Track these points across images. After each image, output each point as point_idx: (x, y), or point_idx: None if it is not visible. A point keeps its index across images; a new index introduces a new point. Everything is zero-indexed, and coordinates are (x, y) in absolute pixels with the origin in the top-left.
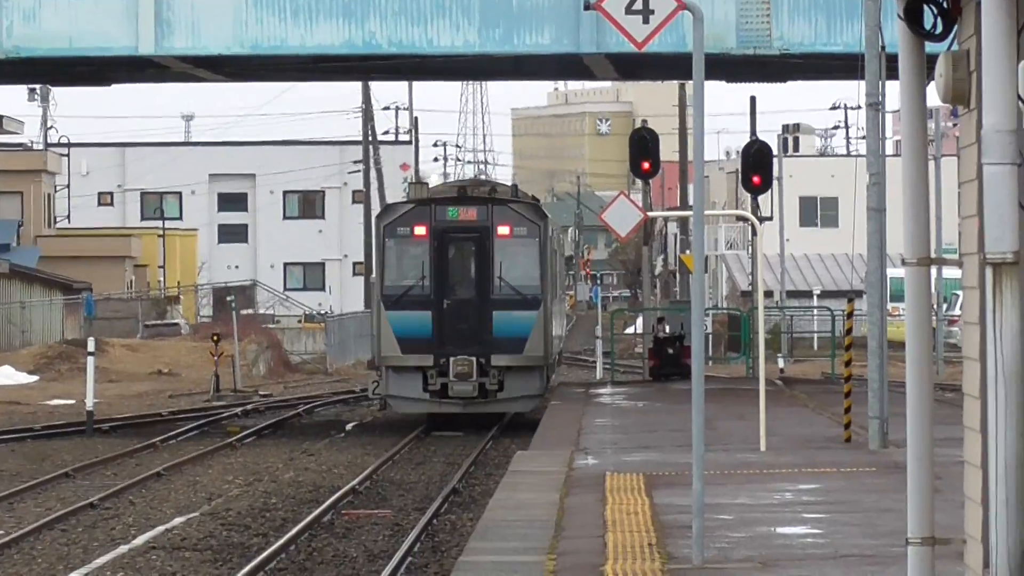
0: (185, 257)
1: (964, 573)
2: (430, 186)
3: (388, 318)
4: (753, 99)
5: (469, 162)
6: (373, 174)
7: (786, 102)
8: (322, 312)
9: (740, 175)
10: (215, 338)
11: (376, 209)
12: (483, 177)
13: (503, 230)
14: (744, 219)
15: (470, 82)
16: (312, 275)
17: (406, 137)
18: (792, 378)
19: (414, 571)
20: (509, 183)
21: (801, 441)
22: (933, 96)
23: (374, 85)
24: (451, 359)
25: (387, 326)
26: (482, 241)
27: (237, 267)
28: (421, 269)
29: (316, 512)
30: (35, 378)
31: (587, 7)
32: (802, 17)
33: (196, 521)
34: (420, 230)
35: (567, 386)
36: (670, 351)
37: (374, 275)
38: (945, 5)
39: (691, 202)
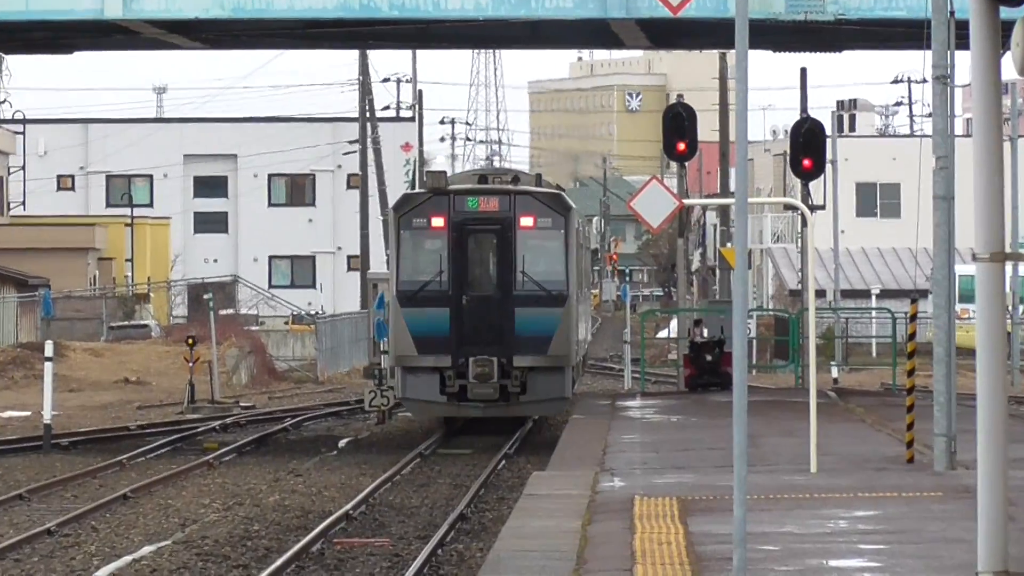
0: (156, 249)
1: None
2: (434, 168)
3: (403, 316)
4: (804, 71)
5: (481, 141)
6: (371, 155)
7: (841, 75)
8: (312, 312)
9: (789, 158)
10: (190, 342)
11: (374, 195)
12: (496, 158)
13: (526, 221)
14: (793, 208)
15: (482, 51)
16: (301, 270)
17: (409, 113)
18: (847, 389)
19: None
20: (527, 167)
21: (857, 461)
22: (1009, 68)
23: (373, 54)
24: (470, 359)
25: (402, 324)
26: (504, 233)
27: (216, 261)
28: (438, 263)
29: (304, 541)
30: None
31: None
32: None
33: (168, 550)
34: (437, 221)
35: (591, 397)
36: (708, 358)
37: (387, 269)
38: None
39: (733, 188)
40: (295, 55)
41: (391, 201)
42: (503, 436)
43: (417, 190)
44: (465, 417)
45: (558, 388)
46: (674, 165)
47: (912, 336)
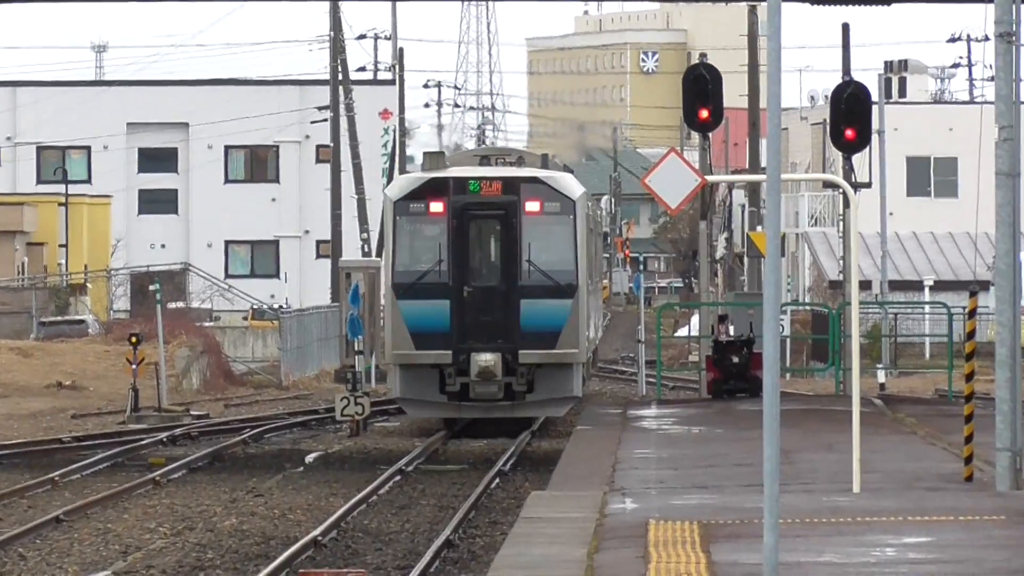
0: (95, 233)
1: None
2: (410, 132)
3: (400, 308)
4: (846, 27)
5: (471, 108)
6: (344, 124)
7: (890, 32)
8: (275, 306)
9: (829, 127)
10: (134, 340)
11: (347, 170)
12: (489, 128)
13: (532, 206)
14: (834, 186)
15: (472, 2)
16: (262, 257)
17: (388, 75)
18: (896, 396)
19: None
20: (525, 137)
21: (907, 480)
22: None
23: (346, 6)
24: (472, 356)
25: (399, 318)
26: (508, 219)
27: (163, 246)
28: (438, 252)
29: (265, 571)
30: None
31: None
32: None
33: None
34: (436, 207)
35: (599, 405)
36: (735, 360)
37: (383, 258)
38: None
39: (764, 163)
40: (256, 7)
41: (367, 177)
42: (503, 441)
43: (414, 173)
44: (466, 418)
45: (567, 386)
46: (696, 136)
47: (971, 335)
